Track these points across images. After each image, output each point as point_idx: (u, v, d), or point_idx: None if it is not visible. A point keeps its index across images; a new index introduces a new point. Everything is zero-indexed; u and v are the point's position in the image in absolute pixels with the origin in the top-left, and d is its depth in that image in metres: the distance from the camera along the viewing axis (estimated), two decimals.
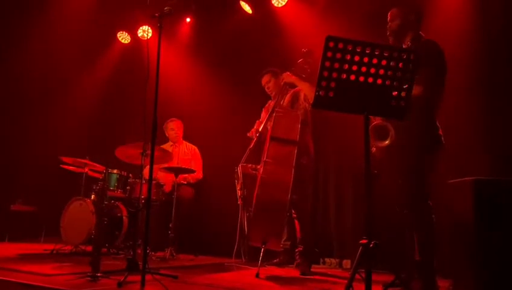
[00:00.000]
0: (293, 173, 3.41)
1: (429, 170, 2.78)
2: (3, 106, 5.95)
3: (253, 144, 4.01)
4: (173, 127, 5.30)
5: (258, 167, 3.77)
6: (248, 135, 4.20)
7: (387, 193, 3.06)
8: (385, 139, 2.74)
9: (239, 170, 4.14)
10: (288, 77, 3.87)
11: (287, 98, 4.07)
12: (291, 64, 3.97)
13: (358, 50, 2.14)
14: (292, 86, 3.99)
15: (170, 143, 5.36)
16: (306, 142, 3.90)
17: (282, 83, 3.99)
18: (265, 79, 4.27)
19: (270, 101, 4.35)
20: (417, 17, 2.98)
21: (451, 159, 3.42)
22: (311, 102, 3.72)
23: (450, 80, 2.93)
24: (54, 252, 4.22)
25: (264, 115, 4.33)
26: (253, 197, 3.59)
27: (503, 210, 2.32)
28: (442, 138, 2.82)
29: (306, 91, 3.84)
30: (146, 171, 3.60)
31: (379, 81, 2.19)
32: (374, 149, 2.95)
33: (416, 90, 2.46)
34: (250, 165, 4.08)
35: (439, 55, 2.81)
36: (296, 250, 3.88)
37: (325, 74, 2.17)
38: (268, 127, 3.82)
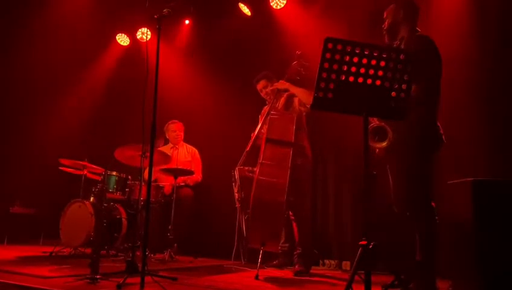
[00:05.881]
0: (289, 174, 3.43)
1: (431, 170, 2.75)
2: (2, 107, 5.95)
3: (249, 146, 4.01)
4: (175, 130, 5.28)
5: (255, 169, 3.78)
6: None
7: (386, 193, 3.06)
8: (383, 141, 2.74)
9: (236, 172, 4.14)
10: (282, 84, 3.90)
11: (282, 100, 4.07)
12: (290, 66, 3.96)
13: (356, 51, 2.15)
14: (286, 90, 4.00)
15: (170, 145, 5.34)
16: (302, 145, 3.91)
17: (275, 90, 3.99)
18: (261, 84, 4.23)
19: (265, 106, 4.33)
20: (406, 13, 2.95)
21: (452, 159, 3.43)
22: (308, 106, 3.74)
23: (450, 80, 2.92)
24: (53, 254, 4.21)
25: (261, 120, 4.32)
26: (250, 199, 3.58)
27: (502, 211, 2.32)
28: (443, 137, 2.79)
29: (301, 96, 3.86)
30: (146, 173, 3.60)
31: (378, 82, 2.20)
32: (377, 150, 2.94)
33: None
34: (247, 167, 4.08)
35: (429, 51, 2.76)
36: (295, 252, 3.88)
37: (324, 75, 2.17)
38: (263, 131, 3.84)
